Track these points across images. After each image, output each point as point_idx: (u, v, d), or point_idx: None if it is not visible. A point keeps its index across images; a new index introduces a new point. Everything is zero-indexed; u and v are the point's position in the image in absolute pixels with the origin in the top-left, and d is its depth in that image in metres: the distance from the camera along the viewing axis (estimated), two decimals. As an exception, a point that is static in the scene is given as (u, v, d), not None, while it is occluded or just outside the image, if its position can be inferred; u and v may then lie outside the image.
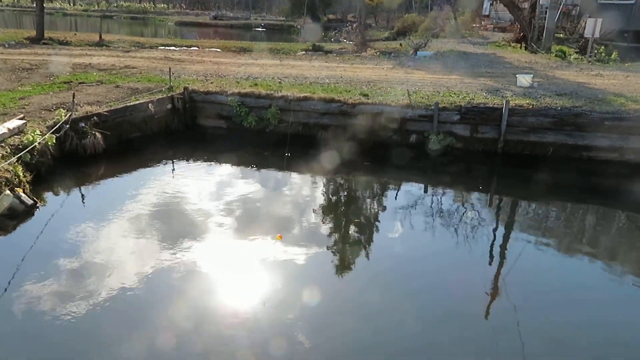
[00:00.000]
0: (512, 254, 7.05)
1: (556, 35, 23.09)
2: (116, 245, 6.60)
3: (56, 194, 8.24)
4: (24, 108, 9.72)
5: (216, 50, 20.55)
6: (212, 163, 10.18)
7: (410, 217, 8.08)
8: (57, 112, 9.35)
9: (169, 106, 11.22)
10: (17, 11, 53.08)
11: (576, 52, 20.21)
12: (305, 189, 9.24)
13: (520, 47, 22.41)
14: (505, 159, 10.32)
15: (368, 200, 9.19)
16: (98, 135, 9.38)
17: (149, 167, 9.76)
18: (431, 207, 8.63)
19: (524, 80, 12.59)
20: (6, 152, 7.74)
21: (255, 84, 12.14)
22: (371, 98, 11.03)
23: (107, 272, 5.92)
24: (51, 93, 11.04)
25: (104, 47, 19.97)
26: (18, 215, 6.97)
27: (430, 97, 11.13)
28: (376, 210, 8.77)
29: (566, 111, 10.21)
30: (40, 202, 7.53)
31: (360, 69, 15.83)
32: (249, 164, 10.06)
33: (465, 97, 11.15)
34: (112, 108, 10.05)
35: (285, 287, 5.91)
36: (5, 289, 5.51)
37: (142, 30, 39.84)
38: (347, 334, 5.18)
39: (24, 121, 8.65)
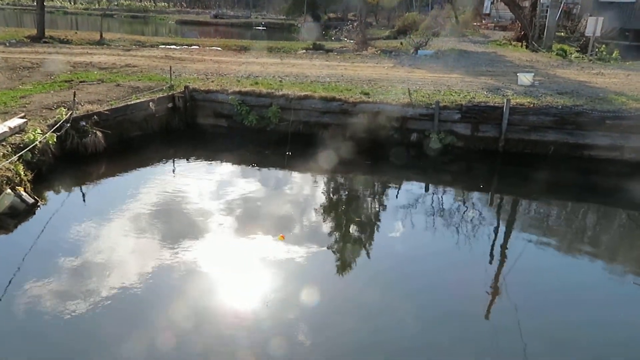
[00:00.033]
0: (513, 254, 7.05)
1: (557, 33, 23.07)
2: (117, 244, 6.61)
3: (57, 192, 8.25)
4: (24, 107, 9.74)
5: (217, 49, 20.56)
6: (213, 162, 10.19)
7: (411, 216, 8.08)
8: (58, 110, 9.36)
9: (170, 105, 11.23)
10: (18, 10, 53.06)
11: (577, 51, 20.17)
12: (305, 187, 9.24)
13: (521, 46, 22.38)
14: (506, 158, 10.31)
15: (368, 199, 9.18)
16: (99, 134, 9.39)
17: (150, 166, 9.77)
18: (432, 206, 8.64)
19: (525, 79, 12.58)
20: (7, 150, 7.75)
21: (256, 83, 12.13)
22: (372, 97, 11.02)
23: (107, 272, 5.93)
24: (52, 92, 11.05)
25: (105, 45, 19.99)
26: (19, 214, 6.99)
27: (431, 95, 11.13)
28: (377, 209, 8.77)
29: (567, 110, 10.20)
30: (41, 200, 7.54)
31: (360, 67, 15.81)
32: (249, 163, 10.06)
33: (466, 95, 11.14)
34: (112, 107, 10.06)
35: (285, 287, 5.91)
36: (6, 288, 5.51)
37: (142, 29, 39.85)
38: (348, 333, 5.18)
39: (25, 120, 8.66)
